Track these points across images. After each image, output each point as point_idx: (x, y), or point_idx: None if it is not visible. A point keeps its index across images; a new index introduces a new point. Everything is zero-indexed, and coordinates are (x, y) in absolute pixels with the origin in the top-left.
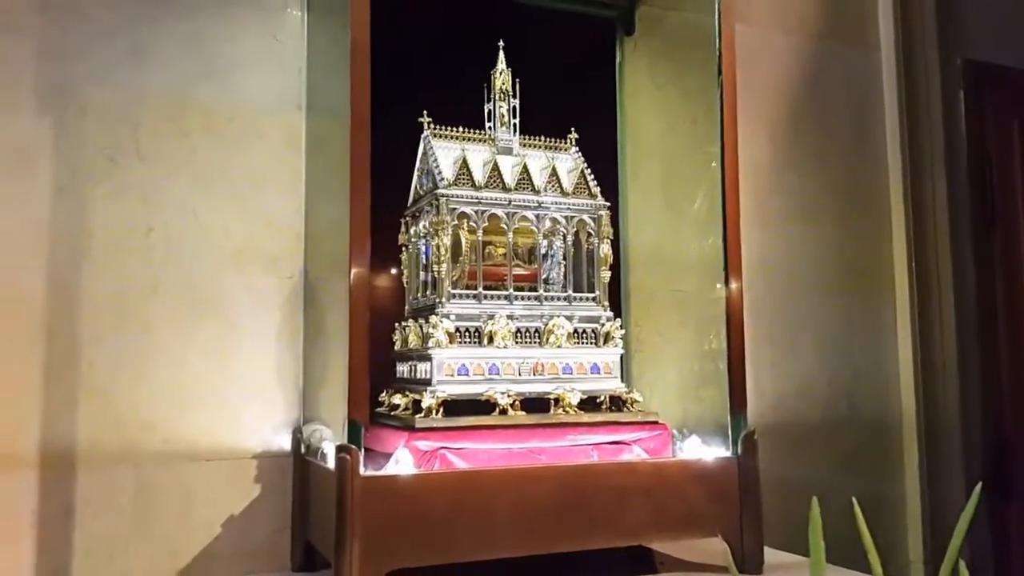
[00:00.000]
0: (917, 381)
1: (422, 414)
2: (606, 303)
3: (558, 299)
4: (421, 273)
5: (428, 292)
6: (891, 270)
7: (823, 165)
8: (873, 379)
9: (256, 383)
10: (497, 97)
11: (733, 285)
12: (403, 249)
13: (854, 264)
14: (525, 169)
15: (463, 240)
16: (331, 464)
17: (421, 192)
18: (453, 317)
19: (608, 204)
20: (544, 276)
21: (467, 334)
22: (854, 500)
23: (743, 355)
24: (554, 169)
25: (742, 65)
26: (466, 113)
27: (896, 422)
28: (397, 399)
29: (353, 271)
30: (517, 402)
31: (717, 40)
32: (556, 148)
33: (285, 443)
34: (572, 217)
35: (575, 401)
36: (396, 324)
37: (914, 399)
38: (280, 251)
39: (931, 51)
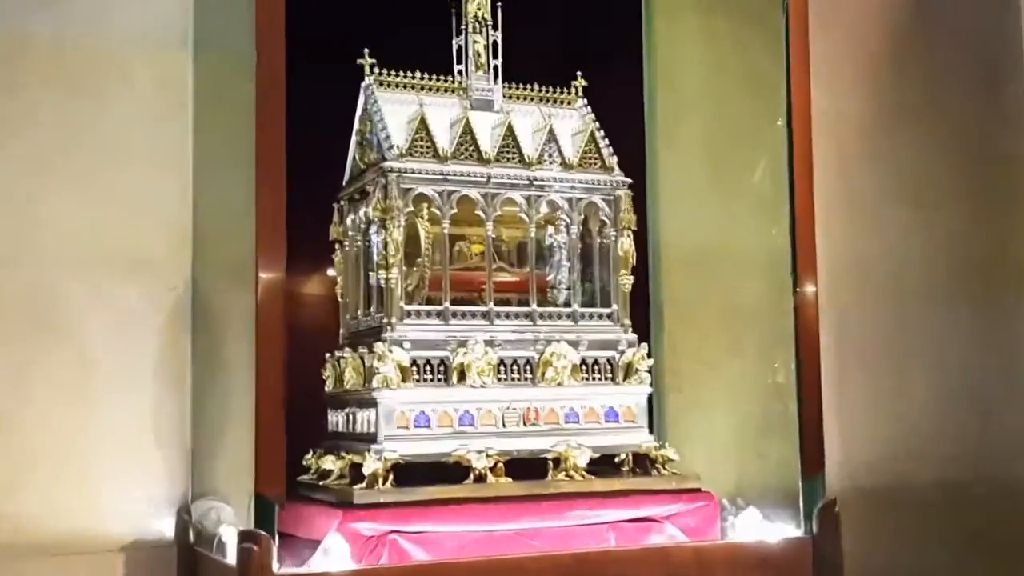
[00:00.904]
0: None
1: (363, 484)
2: (627, 321)
3: (558, 317)
4: (363, 281)
5: (373, 309)
6: None
7: (939, 124)
8: (1010, 428)
9: (124, 442)
10: (470, 28)
11: (806, 292)
12: (337, 247)
13: (982, 261)
14: (510, 131)
15: (422, 234)
16: (231, 557)
17: (362, 166)
18: (408, 344)
19: (628, 180)
20: (539, 284)
21: (428, 368)
22: None
23: (819, 392)
24: (552, 131)
25: None
26: (426, 51)
27: None
28: (329, 462)
29: (262, 280)
30: (500, 464)
31: None
32: (555, 100)
33: (167, 528)
34: (578, 199)
35: (583, 462)
36: (327, 355)
37: None
38: (157, 253)
39: None
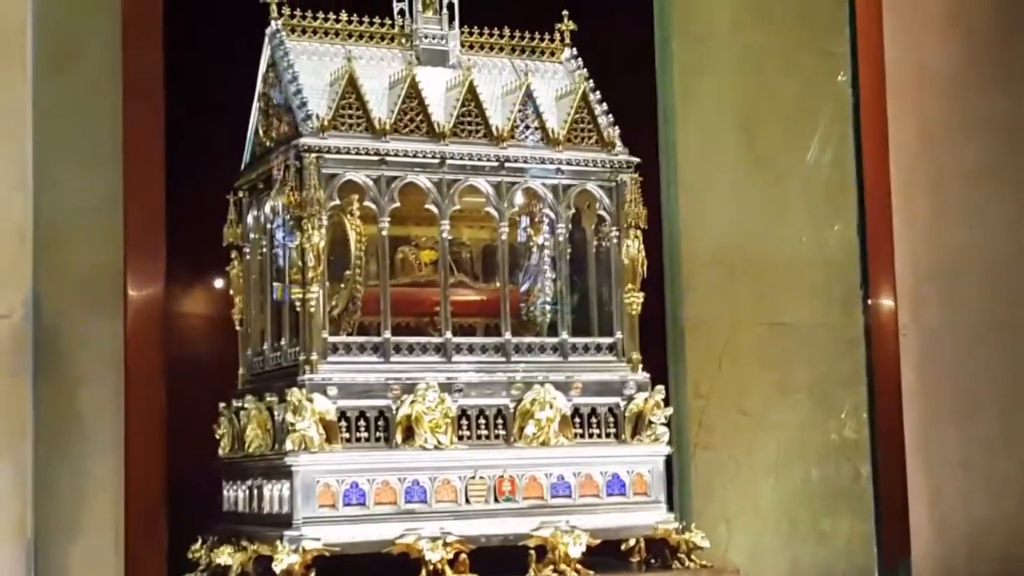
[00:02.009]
0: None
1: None
2: (637, 355)
3: (542, 350)
4: (270, 303)
5: (284, 340)
6: None
7: None
8: None
9: None
10: None
11: (881, 309)
12: (235, 255)
13: None
14: (472, 94)
15: (352, 236)
16: None
17: (268, 143)
18: (334, 390)
19: (636, 160)
20: (514, 304)
21: (363, 423)
22: None
23: (902, 449)
24: (530, 93)
25: None
26: None
27: None
28: (225, 555)
29: (133, 301)
30: (463, 556)
31: None
32: (534, 51)
33: None
34: (567, 187)
35: (577, 551)
36: (222, 406)
37: None
38: None
39: None
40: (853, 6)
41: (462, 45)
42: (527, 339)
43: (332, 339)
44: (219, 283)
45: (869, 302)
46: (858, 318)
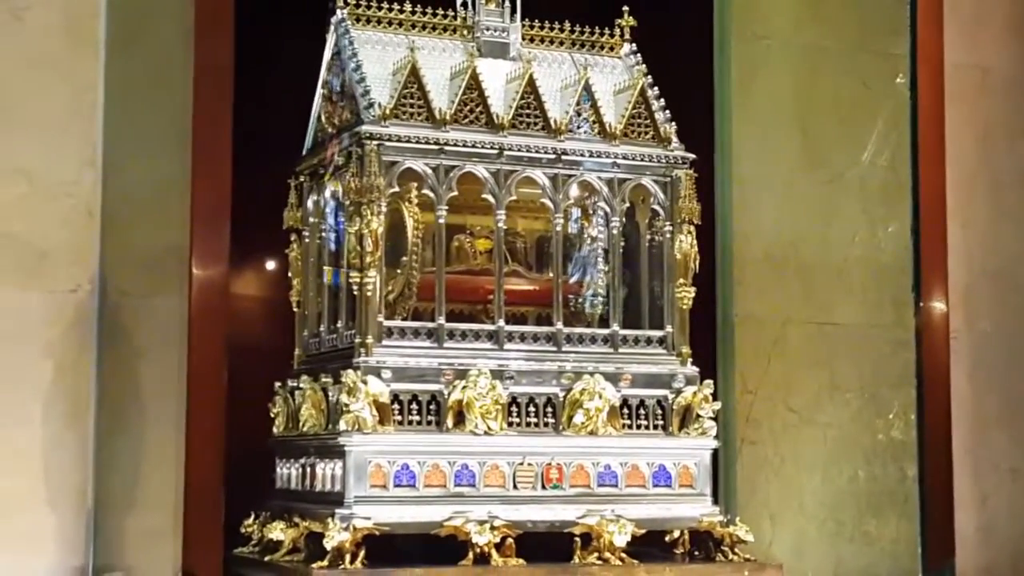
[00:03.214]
0: None
1: (325, 561)
2: (686, 349)
3: (593, 341)
4: (328, 286)
5: (341, 323)
6: None
7: None
8: None
9: (3, 497)
10: None
11: (933, 312)
12: (294, 238)
13: None
14: (531, 87)
15: (410, 223)
16: None
17: (330, 130)
18: (388, 373)
19: (691, 156)
20: (566, 295)
21: (415, 406)
22: None
23: (949, 452)
24: (588, 87)
25: None
26: None
27: None
28: (277, 531)
29: (197, 280)
30: (510, 540)
31: None
32: (593, 46)
33: None
34: (623, 181)
35: (622, 540)
36: (278, 385)
37: None
38: (53, 240)
39: None
40: (914, 8)
41: (523, 38)
42: (578, 329)
43: (387, 323)
44: (278, 265)
45: (921, 305)
46: (909, 320)
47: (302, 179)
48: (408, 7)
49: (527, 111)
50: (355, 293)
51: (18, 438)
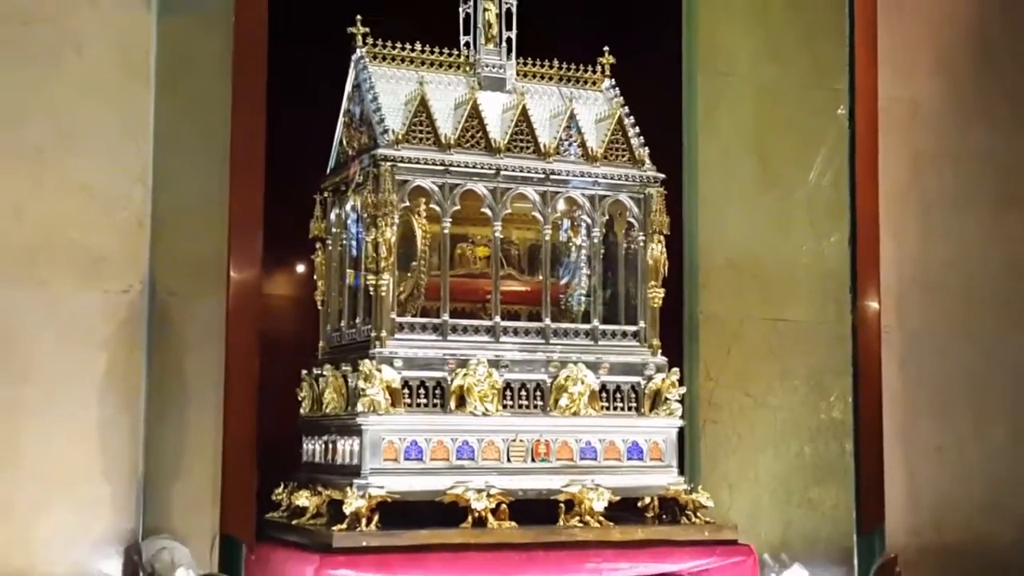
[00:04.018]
0: None
1: (344, 524)
2: (656, 342)
3: (576, 334)
4: (348, 287)
5: (359, 319)
6: None
7: None
8: None
9: (65, 470)
10: None
11: (867, 311)
12: (318, 246)
13: None
14: (524, 116)
15: (419, 233)
16: None
17: (350, 152)
18: (399, 362)
19: (662, 176)
20: (554, 295)
21: (422, 391)
22: None
23: (880, 431)
24: (573, 116)
25: None
26: (429, 21)
27: None
28: (303, 499)
29: (234, 282)
30: (504, 506)
31: None
32: (578, 81)
33: (113, 569)
34: (602, 198)
35: (600, 506)
36: (304, 373)
37: None
38: (109, 247)
39: None
40: (853, 50)
41: (517, 74)
42: (563, 325)
43: (399, 319)
44: (305, 269)
45: (856, 304)
46: (847, 317)
47: (326, 194)
48: (418, 47)
49: (520, 137)
50: (371, 293)
51: (79, 421)
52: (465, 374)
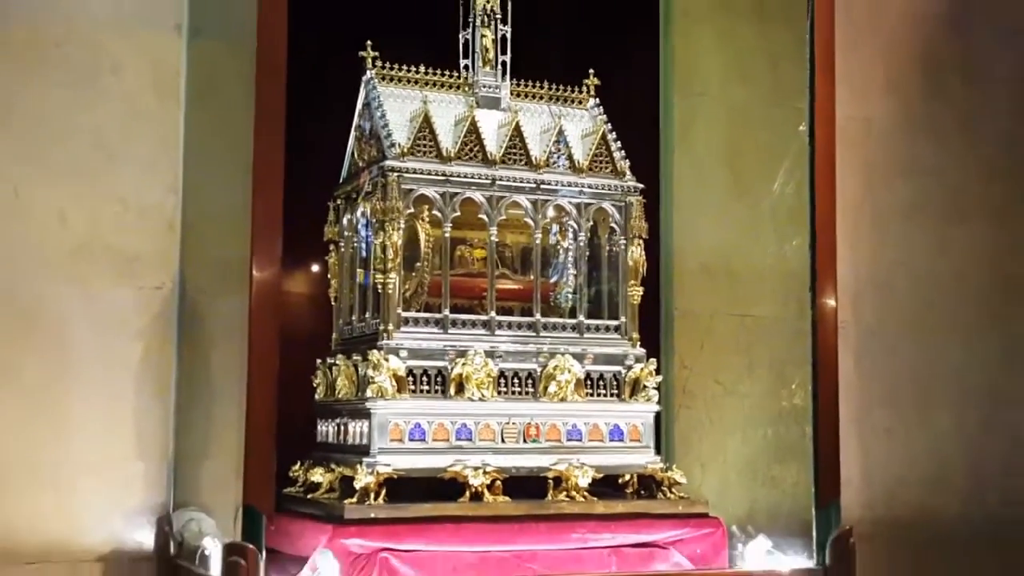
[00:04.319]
0: None
1: (354, 498)
2: (636, 335)
3: (563, 328)
4: (358, 285)
5: (368, 314)
6: None
7: (973, 132)
8: None
9: (103, 449)
10: (478, 22)
11: (825, 309)
12: (332, 248)
13: (1017, 283)
14: (517, 132)
15: (422, 237)
16: (215, 571)
17: (360, 164)
18: (404, 353)
19: (641, 186)
20: (543, 293)
21: (425, 379)
22: None
23: (836, 416)
24: (561, 132)
25: None
26: (432, 45)
27: None
28: (317, 475)
29: (256, 280)
30: (498, 482)
31: None
32: (566, 100)
33: (146, 539)
34: (587, 205)
35: (585, 482)
36: (318, 362)
37: None
38: (143, 249)
39: None
40: (813, 72)
41: (511, 94)
42: (552, 319)
43: (404, 314)
44: (319, 269)
45: (815, 302)
46: (808, 314)
47: (339, 202)
48: (422, 69)
49: (514, 150)
50: (379, 291)
51: (115, 407)
52: (464, 363)
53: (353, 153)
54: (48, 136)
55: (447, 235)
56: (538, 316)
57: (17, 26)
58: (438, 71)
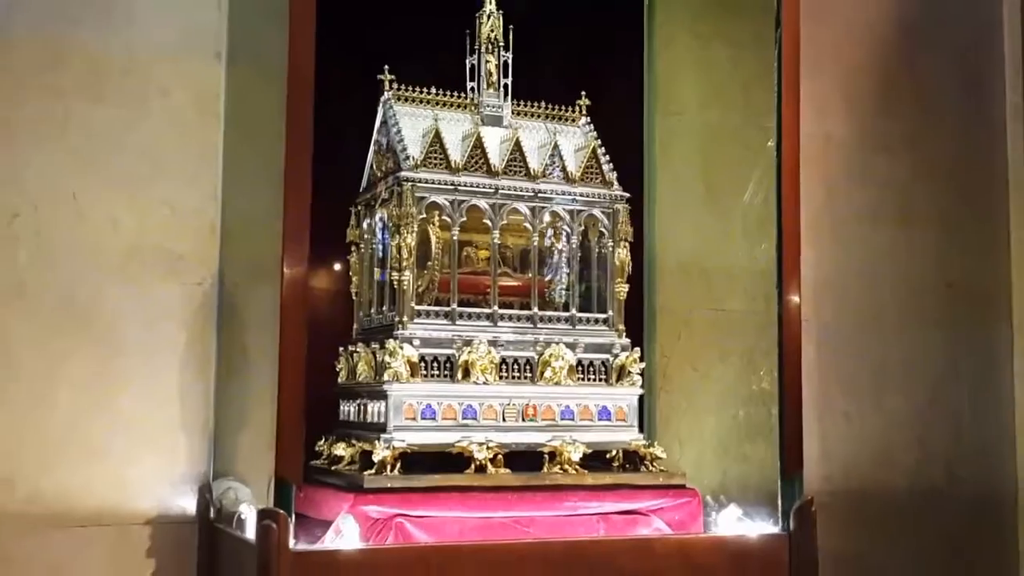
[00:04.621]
0: None
1: (373, 470)
2: (622, 326)
3: (558, 320)
4: (376, 282)
5: (385, 307)
6: (1008, 291)
7: (922, 147)
8: (981, 439)
9: (151, 425)
10: (483, 49)
11: (790, 305)
12: (353, 248)
13: (960, 283)
14: (518, 146)
15: (433, 239)
16: (250, 533)
17: (379, 174)
18: (417, 342)
19: (627, 195)
20: (540, 289)
21: (435, 365)
22: None
23: (799, 399)
24: (557, 146)
25: (814, 9)
26: (442, 69)
27: (1009, 497)
28: (340, 449)
29: (286, 276)
30: (500, 456)
31: None
32: (561, 118)
33: (189, 505)
34: (579, 211)
35: (576, 456)
36: (341, 349)
37: None
38: (186, 249)
39: None
40: (780, 94)
41: (512, 113)
42: (548, 312)
43: (417, 307)
44: (342, 267)
45: (782, 299)
46: (774, 309)
47: (359, 208)
48: (433, 91)
49: (514, 163)
50: (395, 287)
51: (162, 386)
52: (469, 351)
53: (372, 165)
54: (103, 150)
55: (455, 238)
56: (535, 310)
57: (83, 57)
58: (447, 92)
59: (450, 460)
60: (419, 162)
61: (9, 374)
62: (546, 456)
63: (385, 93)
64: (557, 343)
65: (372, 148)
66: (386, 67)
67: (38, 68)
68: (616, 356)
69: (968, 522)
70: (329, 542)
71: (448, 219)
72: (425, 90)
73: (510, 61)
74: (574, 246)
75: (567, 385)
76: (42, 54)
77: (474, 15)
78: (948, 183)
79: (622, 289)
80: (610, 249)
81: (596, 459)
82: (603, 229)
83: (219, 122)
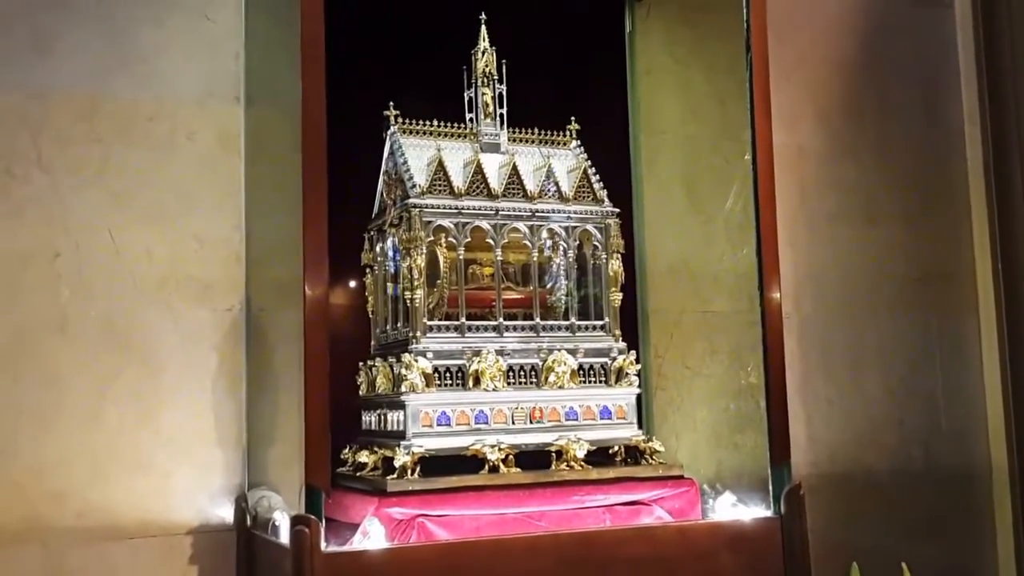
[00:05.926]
0: (1010, 422)
1: (394, 475)
2: (618, 331)
3: (559, 328)
4: (390, 300)
5: (399, 324)
6: (974, 280)
7: (886, 152)
8: (955, 420)
9: (189, 441)
10: (479, 82)
11: (771, 303)
12: (368, 270)
13: (928, 274)
14: (515, 170)
15: (441, 259)
16: (285, 538)
17: (388, 201)
18: (430, 355)
19: (617, 210)
20: (541, 300)
21: (448, 375)
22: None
23: (784, 391)
24: (550, 169)
25: (782, 30)
26: (443, 103)
27: (984, 474)
28: (364, 457)
29: (308, 299)
30: (510, 457)
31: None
32: (553, 142)
33: (227, 514)
34: (574, 228)
35: (581, 453)
36: (361, 364)
37: (1006, 445)
38: (215, 277)
39: (1017, 8)
40: (753, 109)
41: (508, 139)
42: (550, 321)
43: (429, 323)
44: (358, 287)
45: (764, 298)
46: (757, 308)
47: (372, 233)
48: (435, 123)
49: (512, 185)
50: (408, 304)
51: (198, 403)
52: (479, 361)
53: (382, 193)
54: (137, 189)
55: (461, 257)
56: (538, 319)
57: (117, 106)
58: (448, 124)
59: (465, 462)
60: (425, 189)
61: (58, 397)
62: (553, 455)
63: (391, 127)
64: (559, 350)
65: (381, 178)
66: (391, 103)
67: (76, 118)
68: (614, 359)
69: (946, 499)
70: (357, 543)
71: (454, 240)
72: (428, 122)
73: (505, 92)
74: (571, 259)
75: (570, 388)
76: (80, 106)
77: (470, 52)
78: (912, 184)
79: (617, 297)
80: (604, 261)
81: (600, 455)
82: (596, 243)
83: (241, 159)
